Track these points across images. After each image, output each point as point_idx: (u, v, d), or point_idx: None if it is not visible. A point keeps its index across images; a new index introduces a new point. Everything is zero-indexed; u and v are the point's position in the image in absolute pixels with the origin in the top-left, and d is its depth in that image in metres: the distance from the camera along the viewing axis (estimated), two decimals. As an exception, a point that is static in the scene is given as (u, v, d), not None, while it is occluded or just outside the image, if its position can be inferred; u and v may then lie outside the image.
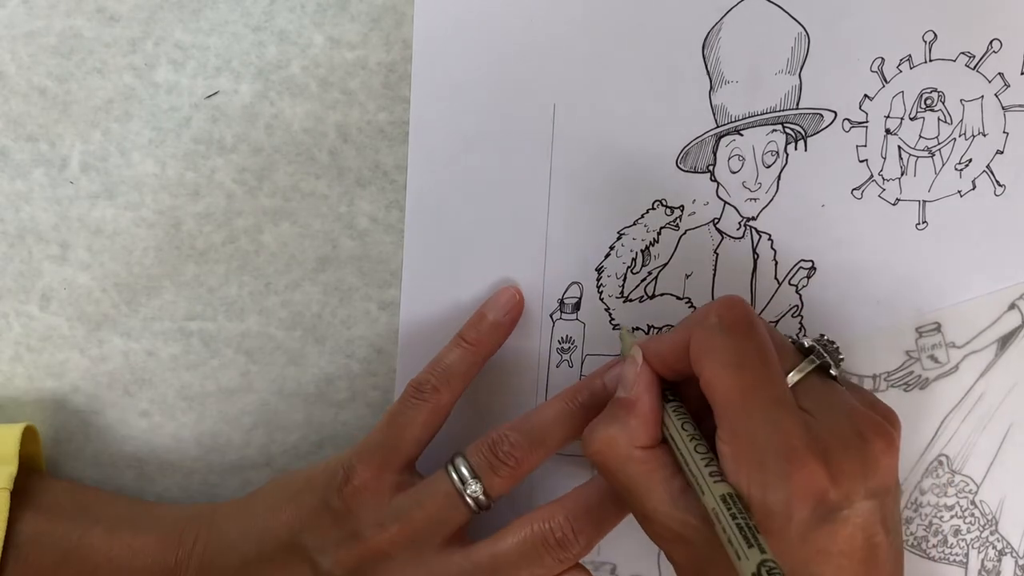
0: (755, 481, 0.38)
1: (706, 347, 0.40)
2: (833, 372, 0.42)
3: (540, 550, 0.43)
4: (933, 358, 0.51)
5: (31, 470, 0.48)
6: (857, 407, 0.41)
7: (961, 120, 0.47)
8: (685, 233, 0.48)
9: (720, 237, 0.48)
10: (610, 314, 0.49)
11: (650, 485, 0.41)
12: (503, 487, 0.45)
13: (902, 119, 0.47)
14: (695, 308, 0.49)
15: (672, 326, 0.49)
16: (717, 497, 0.38)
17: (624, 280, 0.48)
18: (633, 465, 0.41)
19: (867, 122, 0.46)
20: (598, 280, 0.48)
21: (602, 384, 0.46)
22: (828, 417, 0.39)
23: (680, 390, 0.43)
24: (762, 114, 0.46)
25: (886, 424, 0.40)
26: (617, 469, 0.42)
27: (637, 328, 0.49)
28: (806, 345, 0.42)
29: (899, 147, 0.47)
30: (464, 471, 0.45)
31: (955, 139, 0.47)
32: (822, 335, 0.43)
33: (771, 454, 0.38)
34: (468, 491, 0.44)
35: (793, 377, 0.41)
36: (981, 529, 0.54)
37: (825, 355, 0.41)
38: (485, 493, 0.44)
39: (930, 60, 0.46)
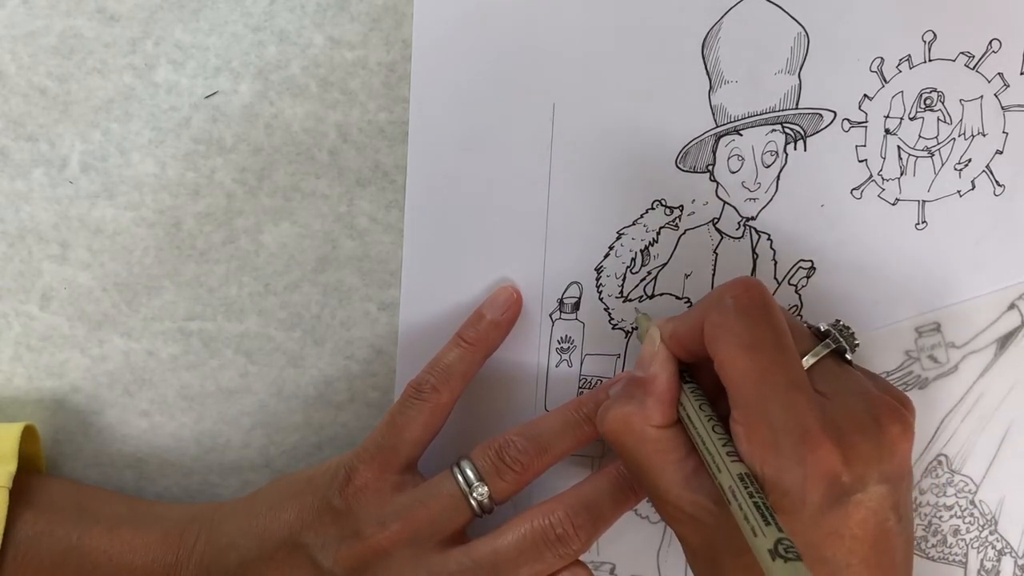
0: (769, 462, 0.38)
1: (721, 329, 0.40)
2: (848, 357, 0.42)
3: (540, 546, 0.43)
4: (932, 358, 0.51)
5: (31, 470, 0.48)
6: (873, 391, 0.41)
7: (960, 120, 0.47)
8: (684, 233, 0.48)
9: (719, 237, 0.48)
10: (609, 314, 0.49)
11: (664, 465, 0.41)
12: (508, 491, 0.45)
13: (901, 119, 0.47)
14: (691, 303, 0.49)
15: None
16: (734, 476, 0.38)
17: (623, 280, 0.48)
18: (648, 444, 0.41)
19: (866, 122, 0.46)
20: (597, 280, 0.48)
21: (607, 397, 0.46)
22: (843, 400, 0.40)
23: (695, 372, 0.43)
24: (761, 114, 0.46)
25: (902, 409, 0.40)
26: (631, 448, 0.42)
27: (636, 328, 0.49)
28: (822, 329, 0.42)
29: (898, 147, 0.47)
30: (470, 473, 0.45)
31: (954, 139, 0.47)
32: (837, 320, 0.43)
33: (786, 435, 0.38)
34: (474, 494, 0.44)
35: (808, 360, 0.41)
36: (980, 529, 0.54)
37: (841, 339, 0.42)
38: (490, 497, 0.44)
39: (930, 60, 0.46)
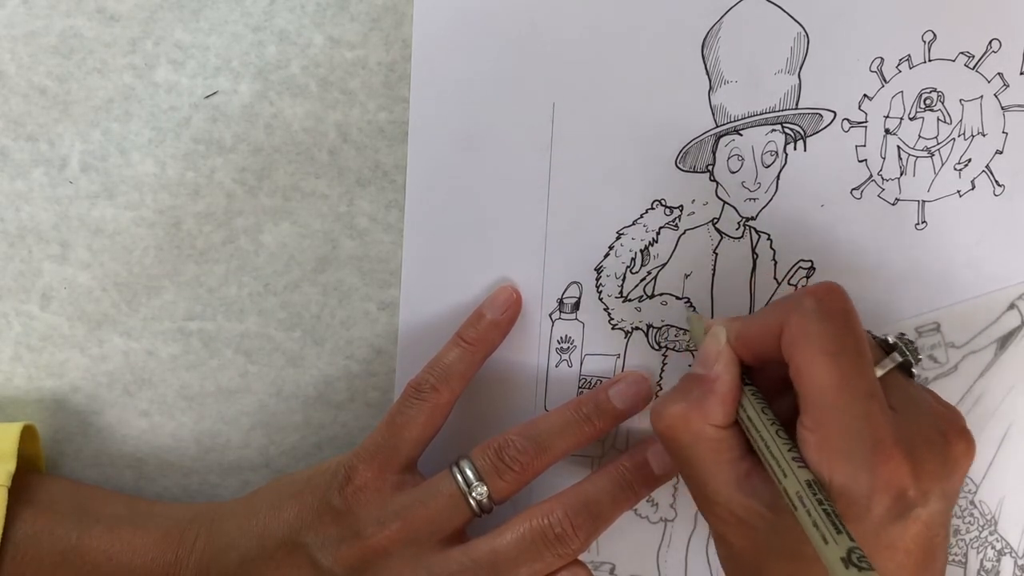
0: (839, 470, 0.38)
1: (803, 333, 0.39)
2: (914, 371, 0.42)
3: (539, 545, 0.43)
4: (932, 358, 0.51)
5: (31, 470, 0.48)
6: (938, 407, 0.41)
7: (960, 120, 0.47)
8: (684, 233, 0.48)
9: (719, 237, 0.48)
10: (609, 314, 0.49)
11: (717, 465, 0.41)
12: (507, 491, 0.45)
13: (901, 119, 0.47)
14: (694, 307, 0.49)
15: (670, 325, 0.49)
16: (802, 482, 0.37)
17: (623, 280, 0.48)
18: (703, 443, 0.41)
19: (866, 122, 0.46)
20: (597, 280, 0.48)
21: (607, 397, 0.46)
22: (913, 415, 0.40)
23: (752, 376, 0.43)
24: (761, 114, 0.46)
25: (966, 427, 0.40)
26: (686, 445, 0.41)
27: (636, 328, 0.49)
28: (890, 341, 0.42)
29: (898, 147, 0.47)
30: (469, 473, 0.45)
31: (954, 139, 0.47)
32: (902, 334, 0.43)
33: (859, 445, 0.38)
34: (473, 493, 0.44)
35: (876, 372, 0.40)
36: (980, 529, 0.54)
37: (908, 353, 0.42)
38: (490, 496, 0.44)
39: (929, 60, 0.46)
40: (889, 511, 0.38)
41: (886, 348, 0.42)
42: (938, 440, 0.39)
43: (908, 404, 0.40)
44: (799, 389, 0.39)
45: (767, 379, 0.42)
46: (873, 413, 0.38)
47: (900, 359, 0.41)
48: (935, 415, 0.40)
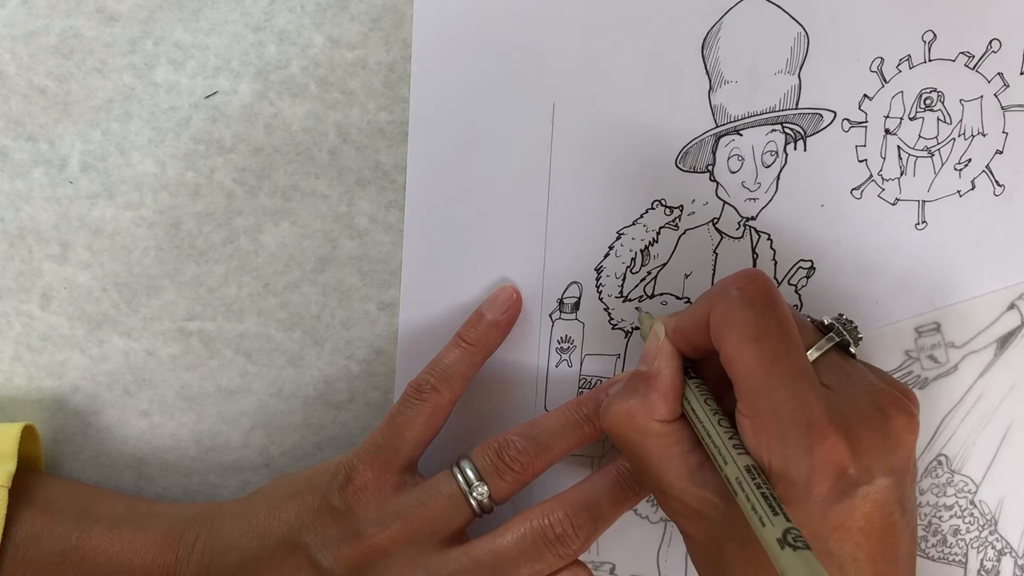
0: (776, 453, 0.38)
1: (727, 320, 0.40)
2: (852, 350, 0.42)
3: (540, 546, 0.43)
4: (932, 358, 0.51)
5: (31, 470, 0.48)
6: (878, 384, 0.41)
7: (960, 120, 0.47)
8: (684, 233, 0.48)
9: (719, 237, 0.48)
10: (609, 314, 0.49)
11: (668, 459, 0.41)
12: (507, 491, 0.45)
13: (901, 119, 0.47)
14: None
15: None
16: (741, 467, 0.38)
17: (623, 280, 0.48)
18: (651, 439, 0.41)
19: (866, 122, 0.46)
20: (597, 280, 0.48)
21: (607, 396, 0.46)
22: (849, 392, 0.40)
23: (699, 368, 0.43)
24: (761, 114, 0.46)
25: (907, 401, 0.40)
26: (635, 442, 0.42)
27: (636, 328, 0.49)
28: (826, 323, 0.42)
29: (898, 147, 0.47)
30: (470, 473, 0.45)
31: (954, 139, 0.47)
32: (840, 314, 0.43)
33: (793, 427, 0.38)
34: (474, 493, 0.44)
35: (813, 354, 0.41)
36: (980, 529, 0.54)
37: (844, 333, 0.42)
38: (490, 496, 0.44)
39: (929, 60, 0.46)
40: (831, 490, 0.38)
41: (823, 330, 0.42)
42: (876, 416, 0.39)
43: (845, 383, 0.40)
44: (731, 376, 0.40)
45: (718, 371, 0.42)
46: (804, 393, 0.38)
47: (837, 339, 0.41)
48: (873, 391, 0.40)
